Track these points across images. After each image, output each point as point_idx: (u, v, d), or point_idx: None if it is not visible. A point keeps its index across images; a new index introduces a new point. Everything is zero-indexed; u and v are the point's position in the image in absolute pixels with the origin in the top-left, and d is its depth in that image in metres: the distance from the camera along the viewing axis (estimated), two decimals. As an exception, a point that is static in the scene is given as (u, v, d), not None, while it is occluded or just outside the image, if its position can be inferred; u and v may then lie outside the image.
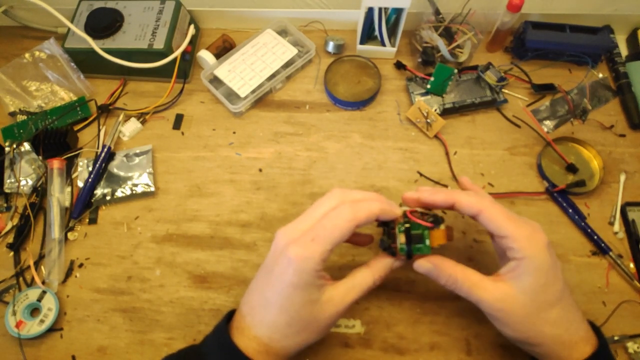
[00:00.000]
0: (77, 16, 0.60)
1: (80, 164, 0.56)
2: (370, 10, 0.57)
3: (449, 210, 0.42)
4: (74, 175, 0.56)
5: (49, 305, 0.48)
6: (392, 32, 0.61)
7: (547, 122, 0.56)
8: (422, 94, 0.59)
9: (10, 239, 0.53)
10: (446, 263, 0.39)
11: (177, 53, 0.58)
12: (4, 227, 0.54)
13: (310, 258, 0.35)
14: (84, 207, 0.54)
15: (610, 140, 0.57)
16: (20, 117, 0.59)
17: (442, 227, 0.39)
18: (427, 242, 0.38)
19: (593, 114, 0.57)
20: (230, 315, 0.41)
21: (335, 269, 0.50)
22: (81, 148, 0.58)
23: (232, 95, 0.59)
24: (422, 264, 0.40)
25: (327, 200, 0.38)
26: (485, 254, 0.50)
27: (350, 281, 0.39)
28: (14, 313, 0.47)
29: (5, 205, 0.55)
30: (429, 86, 0.58)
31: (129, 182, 0.55)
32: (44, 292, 0.49)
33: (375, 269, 0.40)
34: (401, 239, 0.39)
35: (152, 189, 0.55)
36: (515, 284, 0.37)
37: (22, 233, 0.52)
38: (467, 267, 0.39)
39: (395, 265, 0.41)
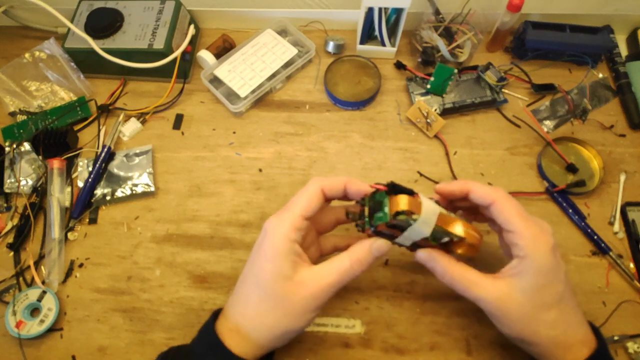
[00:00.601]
0: (77, 16, 0.60)
1: (80, 164, 0.56)
2: (370, 10, 0.57)
3: (464, 204, 0.42)
4: (74, 175, 0.56)
5: (49, 305, 0.48)
6: (392, 32, 0.61)
7: (547, 122, 0.56)
8: (422, 94, 0.59)
9: (10, 239, 0.53)
10: (445, 258, 0.39)
11: (177, 53, 0.58)
12: (4, 227, 0.54)
13: (281, 224, 0.37)
14: (84, 207, 0.54)
15: (610, 140, 0.57)
16: (20, 117, 0.59)
17: (416, 197, 0.36)
18: (386, 209, 0.35)
19: (593, 114, 0.57)
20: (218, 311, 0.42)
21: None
22: (81, 148, 0.58)
23: (232, 95, 0.59)
24: (420, 253, 0.39)
25: (307, 188, 0.40)
26: (485, 254, 0.50)
27: (326, 265, 0.38)
28: (14, 313, 0.47)
29: (5, 205, 0.55)
30: (429, 86, 0.58)
31: (129, 182, 0.55)
32: (44, 292, 0.49)
33: (352, 252, 0.38)
34: (366, 211, 0.38)
35: (152, 189, 0.55)
36: (514, 283, 0.37)
37: (22, 233, 0.52)
38: (465, 265, 0.39)
39: (375, 248, 0.38)
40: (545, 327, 0.37)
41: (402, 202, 0.35)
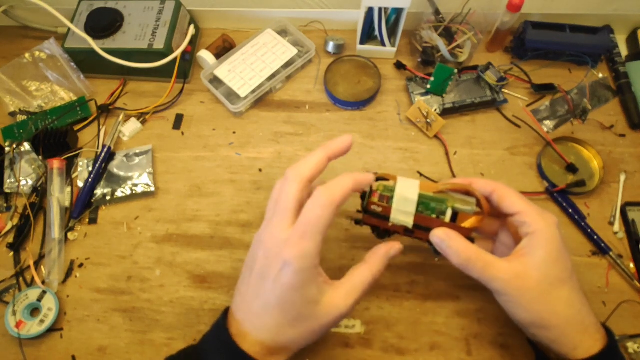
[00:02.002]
0: (77, 16, 0.60)
1: (80, 164, 0.56)
2: (370, 10, 0.57)
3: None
4: (74, 175, 0.56)
5: (49, 305, 0.48)
6: (392, 32, 0.61)
7: (547, 122, 0.56)
8: (422, 94, 0.59)
9: (10, 239, 0.53)
10: (461, 238, 0.38)
11: (177, 53, 0.58)
12: (4, 227, 0.54)
13: (307, 255, 0.35)
14: (84, 207, 0.54)
15: (610, 140, 0.57)
16: (20, 117, 0.59)
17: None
18: (367, 189, 0.40)
19: (593, 114, 0.57)
20: (226, 313, 0.40)
21: (335, 269, 0.50)
22: (81, 148, 0.58)
23: (232, 95, 0.59)
24: (437, 232, 0.39)
25: (289, 188, 0.37)
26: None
27: (350, 282, 0.38)
28: (14, 313, 0.47)
29: (5, 205, 0.55)
30: (429, 86, 0.58)
31: (129, 182, 0.55)
32: (44, 292, 0.49)
33: (371, 263, 0.39)
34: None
35: (152, 189, 0.55)
36: (528, 261, 0.37)
37: (22, 233, 0.52)
38: (479, 248, 0.39)
39: (392, 254, 0.40)
40: (563, 305, 0.37)
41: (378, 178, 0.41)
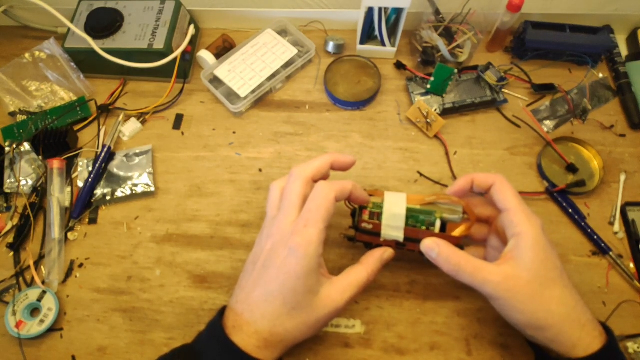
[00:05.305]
0: (77, 16, 0.60)
1: (80, 164, 0.56)
2: (370, 10, 0.57)
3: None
4: (74, 175, 0.56)
5: (49, 305, 0.48)
6: (392, 32, 0.61)
7: (547, 122, 0.56)
8: (422, 94, 0.59)
9: (10, 239, 0.53)
10: (449, 246, 0.40)
11: (177, 53, 0.58)
12: (4, 227, 0.54)
13: (310, 242, 0.37)
14: (84, 207, 0.54)
15: (610, 140, 0.57)
16: (20, 117, 0.59)
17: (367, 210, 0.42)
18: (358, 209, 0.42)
19: (593, 114, 0.57)
20: (222, 312, 0.40)
21: (335, 270, 0.50)
22: (81, 148, 0.58)
23: (232, 95, 0.59)
24: (426, 242, 0.40)
25: (294, 184, 0.40)
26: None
27: (346, 279, 0.40)
28: (14, 313, 0.47)
29: (5, 205, 0.55)
30: (429, 86, 0.58)
31: (129, 182, 0.55)
32: (44, 292, 0.49)
33: (366, 264, 0.41)
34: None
35: (152, 189, 0.55)
36: (517, 263, 0.38)
37: (22, 233, 0.52)
38: (468, 254, 0.40)
39: (385, 257, 0.42)
40: (556, 303, 0.38)
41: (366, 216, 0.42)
